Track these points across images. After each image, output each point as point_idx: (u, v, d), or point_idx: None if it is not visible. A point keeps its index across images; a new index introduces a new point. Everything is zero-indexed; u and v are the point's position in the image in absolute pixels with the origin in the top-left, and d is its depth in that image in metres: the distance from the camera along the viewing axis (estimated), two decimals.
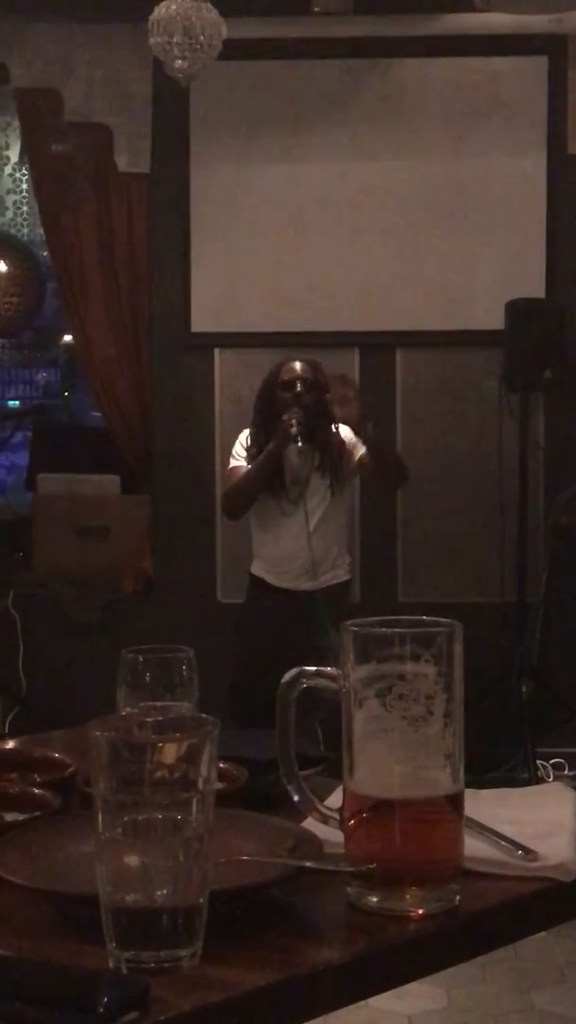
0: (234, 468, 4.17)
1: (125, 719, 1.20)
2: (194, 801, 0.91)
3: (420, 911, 1.02)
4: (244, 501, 4.13)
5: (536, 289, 4.99)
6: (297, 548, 4.08)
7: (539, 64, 5.02)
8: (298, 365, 4.10)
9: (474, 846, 1.11)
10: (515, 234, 5.05)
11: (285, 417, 3.97)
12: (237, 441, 4.22)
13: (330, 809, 1.09)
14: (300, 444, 3.97)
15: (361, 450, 4.12)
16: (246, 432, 4.21)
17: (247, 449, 4.14)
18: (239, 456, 4.17)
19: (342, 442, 4.12)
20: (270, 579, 4.17)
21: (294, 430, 3.94)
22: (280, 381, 4.08)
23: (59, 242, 5.36)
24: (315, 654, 3.92)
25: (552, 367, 4.78)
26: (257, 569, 4.23)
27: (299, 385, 4.03)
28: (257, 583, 4.22)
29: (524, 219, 5.05)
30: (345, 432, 4.17)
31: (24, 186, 7.31)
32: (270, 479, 4.07)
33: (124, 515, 5.40)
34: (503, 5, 4.58)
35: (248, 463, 4.12)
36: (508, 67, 5.05)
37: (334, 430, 4.09)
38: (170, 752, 0.91)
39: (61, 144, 5.34)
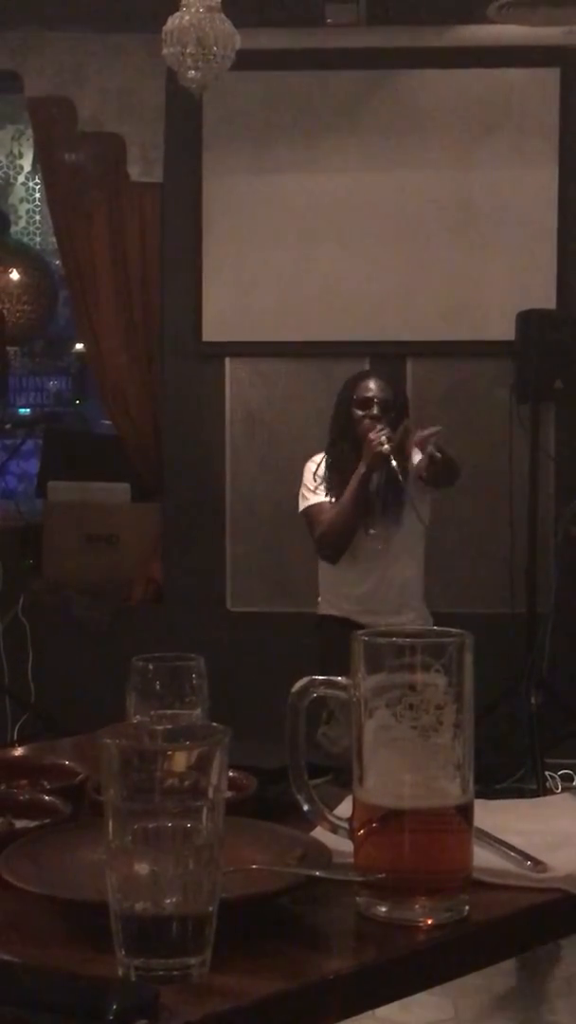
0: (316, 505, 3.73)
1: (136, 727, 1.20)
2: (204, 809, 0.91)
3: (429, 921, 1.02)
4: (347, 538, 3.69)
5: (547, 300, 4.99)
6: (390, 577, 3.72)
7: (551, 76, 5.03)
8: (373, 383, 3.78)
9: (483, 857, 1.11)
10: (526, 245, 5.06)
11: (371, 436, 3.59)
12: (307, 471, 3.80)
13: (339, 818, 1.09)
14: (395, 464, 3.56)
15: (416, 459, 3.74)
16: (317, 461, 3.80)
17: (325, 479, 3.74)
18: (316, 489, 3.75)
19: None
20: (357, 617, 3.67)
21: (385, 448, 3.55)
22: (356, 399, 3.75)
23: (71, 251, 5.38)
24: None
25: (563, 378, 4.78)
26: (336, 608, 3.77)
27: (376, 406, 3.71)
28: (336, 623, 3.70)
29: (535, 230, 5.05)
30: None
31: (37, 195, 7.34)
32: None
33: (134, 523, 5.40)
34: (515, 17, 4.58)
35: (327, 494, 3.72)
36: (520, 79, 5.06)
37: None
38: (181, 760, 0.91)
39: (74, 153, 5.36)
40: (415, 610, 3.83)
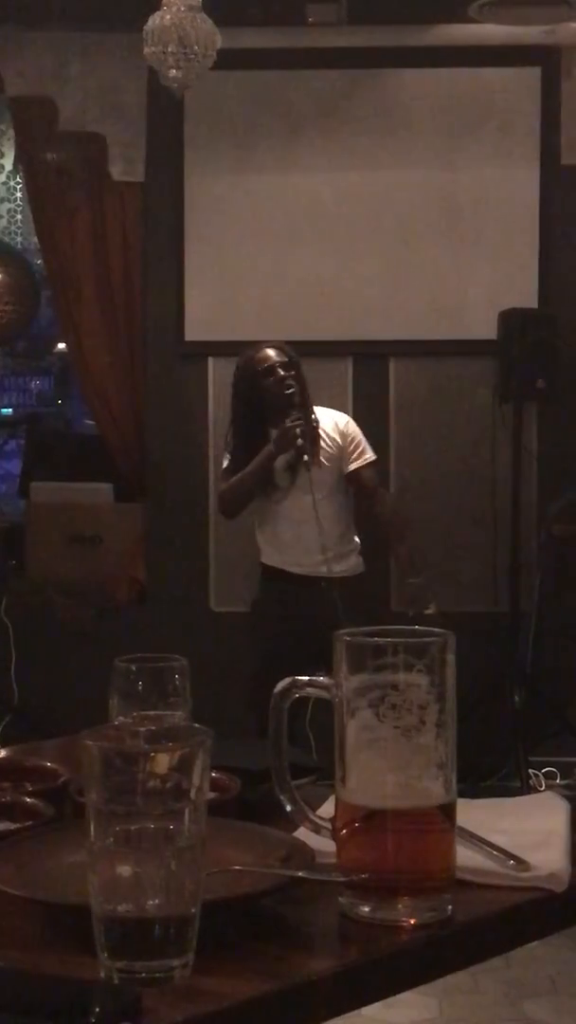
0: (227, 465, 4.10)
1: (118, 729, 1.20)
2: (186, 811, 0.91)
3: (412, 921, 1.02)
4: (240, 503, 4.08)
5: (529, 299, 5.00)
6: (304, 522, 3.95)
7: (532, 75, 5.04)
8: (271, 351, 4.03)
9: (466, 856, 1.11)
10: (508, 244, 5.07)
11: (288, 423, 3.86)
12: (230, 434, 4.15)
13: (322, 819, 1.09)
14: (307, 458, 3.84)
15: (362, 461, 4.02)
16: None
17: (234, 440, 4.08)
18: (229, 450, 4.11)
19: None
20: (289, 568, 4.03)
21: (300, 441, 3.83)
22: (260, 369, 3.99)
23: (53, 250, 5.37)
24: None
25: (545, 377, 4.79)
26: (269, 559, 4.10)
27: (280, 369, 3.96)
28: (270, 572, 4.09)
29: (517, 229, 5.06)
30: (336, 421, 4.05)
31: (18, 194, 7.32)
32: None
33: (117, 523, 5.39)
34: (497, 16, 4.59)
35: (231, 456, 4.07)
36: (501, 78, 5.07)
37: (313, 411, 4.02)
38: (163, 762, 0.91)
39: (55, 153, 5.34)
40: (340, 557, 4.02)
